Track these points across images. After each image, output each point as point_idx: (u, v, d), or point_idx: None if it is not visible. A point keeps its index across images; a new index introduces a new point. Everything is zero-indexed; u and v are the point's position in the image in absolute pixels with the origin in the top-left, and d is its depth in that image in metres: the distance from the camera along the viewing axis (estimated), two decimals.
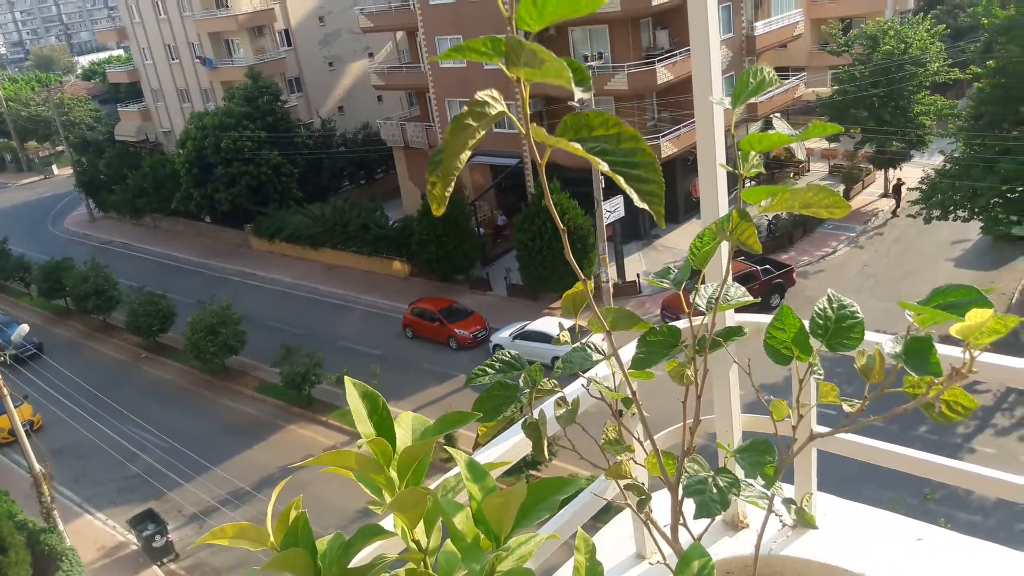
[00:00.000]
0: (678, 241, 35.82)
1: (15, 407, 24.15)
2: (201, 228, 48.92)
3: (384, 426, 1.37)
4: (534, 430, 1.75)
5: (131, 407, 30.63)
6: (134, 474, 27.16)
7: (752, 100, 1.40)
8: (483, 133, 1.22)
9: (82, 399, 31.68)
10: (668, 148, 34.38)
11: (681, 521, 1.69)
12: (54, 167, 73.75)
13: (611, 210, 31.02)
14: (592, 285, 29.57)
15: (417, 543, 1.34)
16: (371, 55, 52.63)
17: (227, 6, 49.38)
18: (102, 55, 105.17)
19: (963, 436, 22.06)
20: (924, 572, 2.50)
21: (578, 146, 1.20)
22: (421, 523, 1.37)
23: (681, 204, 37.57)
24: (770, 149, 1.50)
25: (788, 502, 1.74)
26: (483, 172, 41.05)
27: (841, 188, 37.37)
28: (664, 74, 33.49)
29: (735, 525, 2.72)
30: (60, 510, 24.09)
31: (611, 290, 31.15)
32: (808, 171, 41.58)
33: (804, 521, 1.72)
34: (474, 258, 35.86)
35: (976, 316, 1.32)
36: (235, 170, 44.13)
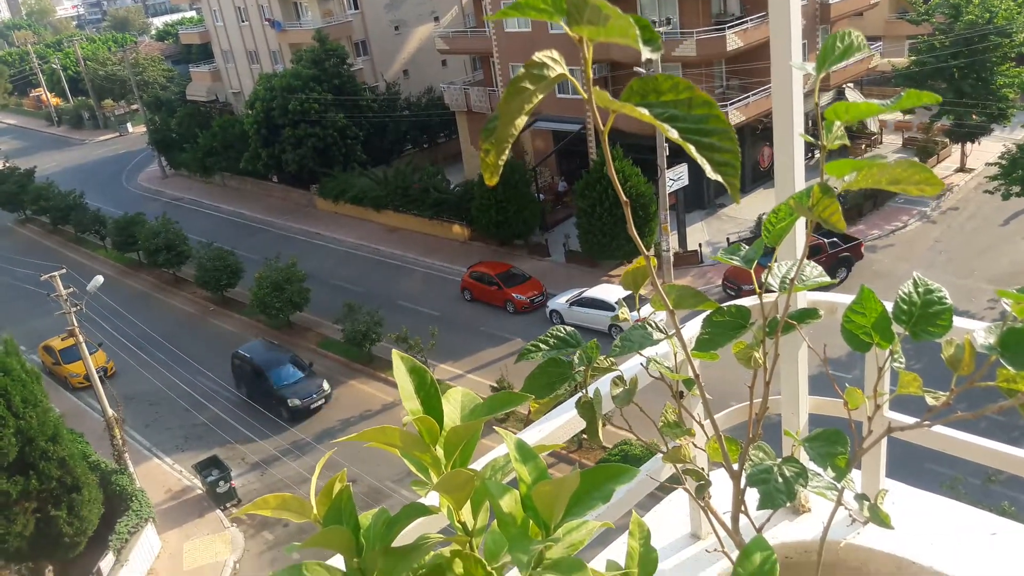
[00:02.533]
0: (742, 211, 35.27)
1: (90, 354, 25.27)
2: (268, 187, 49.92)
3: (431, 402, 1.32)
4: (589, 410, 1.67)
5: (199, 358, 31.75)
6: (201, 423, 28.24)
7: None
8: (540, 98, 1.15)
9: (153, 349, 32.96)
10: (736, 116, 33.75)
11: (742, 509, 1.62)
12: (129, 125, 75.76)
13: (675, 178, 30.70)
14: (654, 257, 29.59)
15: (463, 524, 1.28)
16: (436, 19, 52.54)
17: None
18: (175, 16, 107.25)
19: None
20: (999, 569, 2.33)
21: (645, 111, 1.12)
22: (467, 504, 1.31)
23: (748, 173, 36.96)
24: (857, 119, 1.40)
25: (861, 498, 1.59)
26: (545, 138, 40.91)
27: (915, 159, 36.22)
28: (734, 41, 32.79)
29: (796, 509, 2.63)
30: (131, 453, 25.25)
31: (672, 260, 30.96)
32: (880, 143, 40.41)
33: (879, 520, 1.56)
34: (533, 224, 35.92)
35: None
36: (302, 132, 44.74)
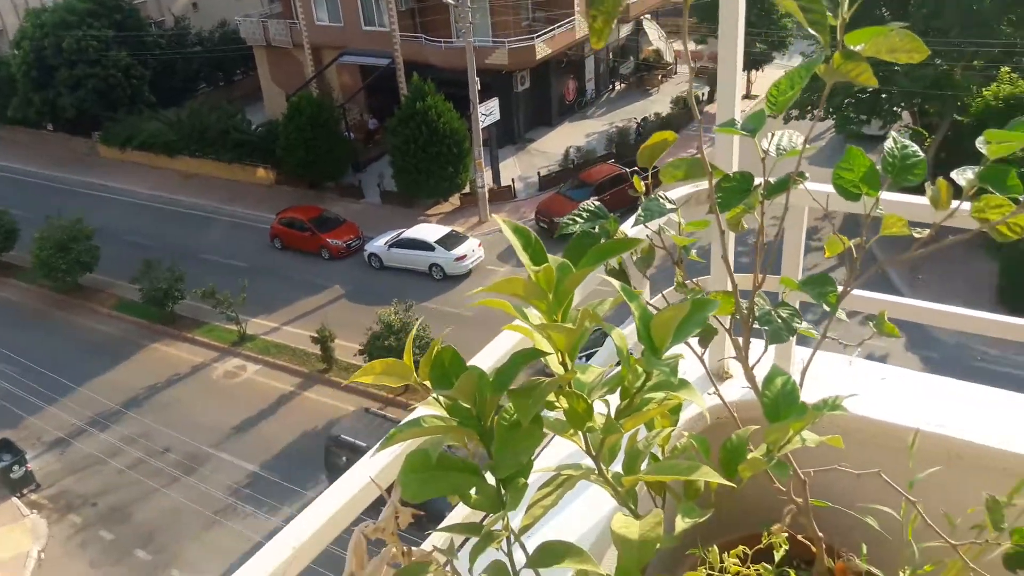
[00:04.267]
0: (551, 145, 35.50)
1: None
2: (44, 136, 44.62)
3: (539, 257, 1.46)
4: (620, 274, 1.91)
5: None
6: None
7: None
8: None
9: None
10: (543, 49, 33.60)
11: (736, 355, 1.89)
12: None
13: (487, 113, 30.25)
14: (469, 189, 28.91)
15: (564, 364, 1.40)
16: None
17: None
18: None
19: None
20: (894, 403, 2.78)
21: None
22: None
23: (555, 107, 37.13)
24: None
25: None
26: (352, 73, 39.06)
27: (707, 89, 37.84)
28: None
29: (720, 376, 3.00)
30: None
31: (487, 195, 30.67)
32: (676, 73, 41.81)
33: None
34: (345, 164, 34.37)
35: None
36: (80, 72, 40.37)
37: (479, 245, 28.33)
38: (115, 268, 29.88)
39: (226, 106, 39.07)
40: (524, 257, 1.47)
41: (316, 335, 24.04)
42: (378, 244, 29.03)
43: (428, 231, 28.76)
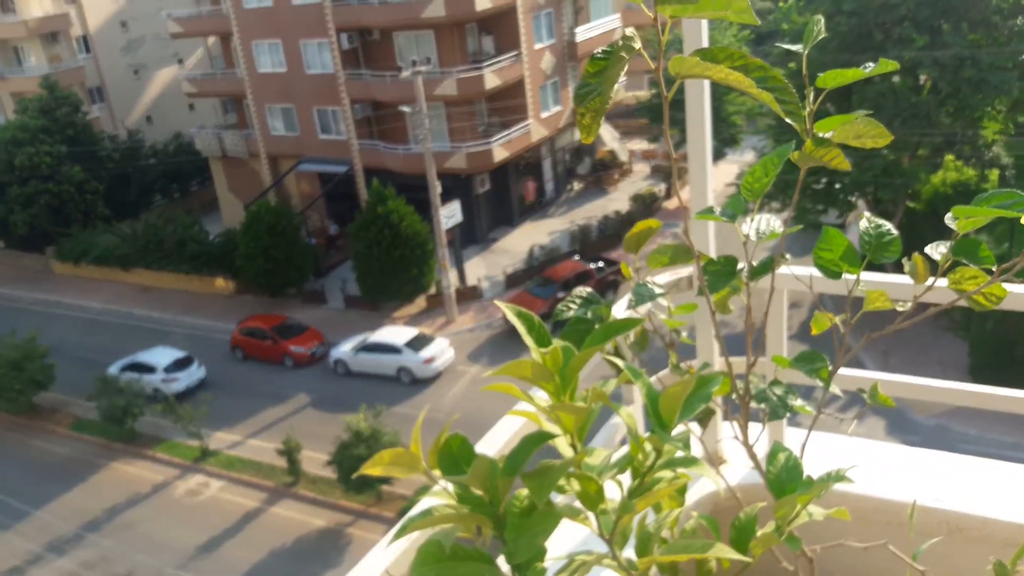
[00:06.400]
0: (514, 243, 35.99)
1: None
2: None
3: (543, 340, 1.47)
4: (617, 354, 1.91)
5: None
6: None
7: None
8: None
9: None
10: (501, 153, 34.46)
11: (733, 435, 1.91)
12: None
13: (449, 215, 30.68)
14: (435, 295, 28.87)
15: (574, 447, 1.41)
16: (180, 61, 49.69)
17: (14, 10, 44.91)
18: None
19: None
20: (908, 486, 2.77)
21: (733, 73, 1.36)
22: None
23: (516, 207, 37.83)
24: (840, 85, 1.60)
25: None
26: (311, 181, 39.59)
27: (663, 186, 38.92)
28: (492, 79, 33.53)
29: (714, 461, 2.96)
30: None
31: (453, 296, 30.79)
32: (631, 172, 43.04)
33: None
34: (306, 270, 34.35)
35: None
36: (32, 189, 40.27)
37: (448, 346, 28.21)
38: (71, 386, 29.11)
39: (182, 217, 39.08)
40: (529, 340, 1.48)
41: (282, 447, 23.45)
42: (344, 350, 28.75)
43: (395, 334, 28.61)
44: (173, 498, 24.34)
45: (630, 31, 1.41)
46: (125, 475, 25.62)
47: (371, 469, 1.39)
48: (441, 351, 27.71)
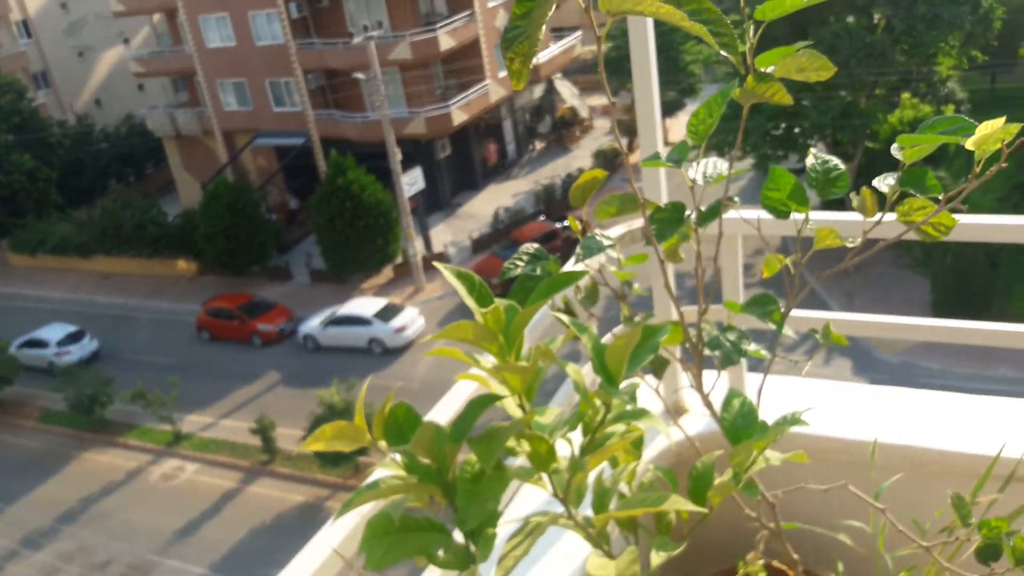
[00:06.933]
0: (479, 208, 35.80)
1: None
2: None
3: (485, 300, 1.43)
4: (568, 313, 1.95)
5: None
6: None
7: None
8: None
9: None
10: (460, 116, 34.11)
11: (690, 384, 1.88)
12: None
13: (411, 182, 30.40)
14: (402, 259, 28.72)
15: (522, 407, 1.38)
16: (126, 41, 48.36)
17: None
18: None
19: None
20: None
21: (649, 4, 1.32)
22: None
23: (479, 171, 37.57)
24: (780, 15, 1.55)
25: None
26: (267, 155, 38.97)
27: (625, 140, 38.76)
28: (447, 40, 33.04)
29: (678, 411, 2.99)
30: None
31: (421, 263, 30.64)
32: (593, 128, 42.88)
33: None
34: (269, 247, 33.93)
35: (990, 126, 1.46)
36: None
37: (418, 314, 28.12)
38: (36, 379, 28.68)
39: (139, 200, 38.32)
40: (470, 301, 1.45)
41: (255, 426, 23.33)
42: (312, 324, 28.54)
43: (364, 305, 28.44)
44: (148, 484, 24.17)
45: None
46: (98, 464, 25.38)
47: (313, 445, 1.35)
48: (411, 320, 27.62)
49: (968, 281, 23.37)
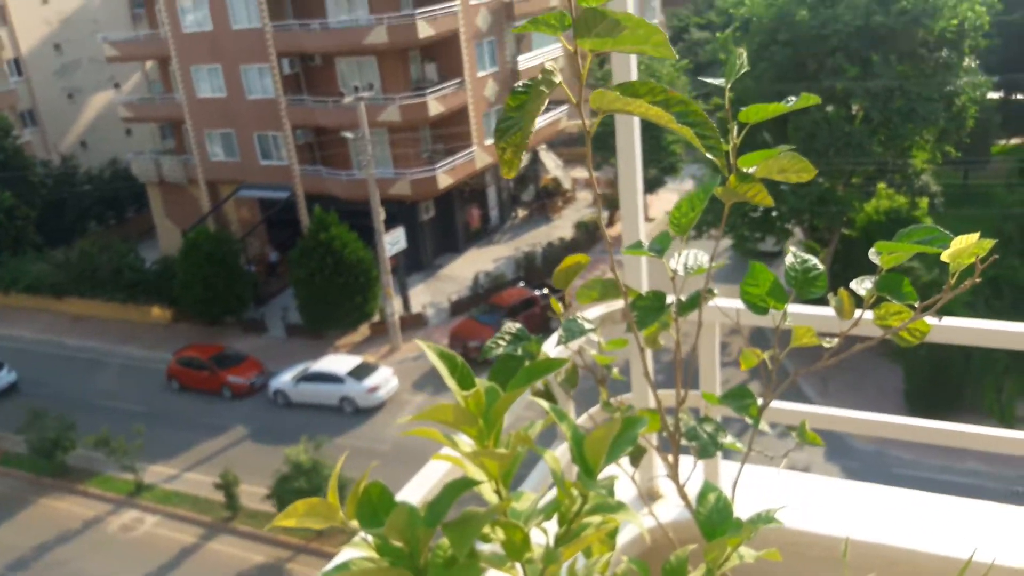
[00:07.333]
0: (459, 270, 35.91)
1: None
2: None
3: (466, 382, 1.43)
4: (547, 395, 1.93)
5: None
6: None
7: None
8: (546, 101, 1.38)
9: None
10: (445, 179, 34.46)
11: (666, 473, 1.89)
12: None
13: (393, 242, 30.50)
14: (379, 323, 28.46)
15: (498, 492, 1.37)
16: (117, 86, 48.72)
17: None
18: None
19: None
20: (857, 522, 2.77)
21: (651, 107, 1.33)
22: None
23: (461, 234, 37.80)
24: (763, 119, 1.65)
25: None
26: (251, 207, 39.02)
27: (606, 214, 39.31)
28: (436, 106, 33.58)
29: (652, 496, 3.04)
30: None
31: (398, 323, 30.53)
32: (575, 199, 43.41)
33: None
34: (246, 299, 33.70)
35: (963, 241, 1.52)
36: None
37: (392, 374, 27.87)
38: None
39: (118, 244, 38.10)
40: (451, 383, 1.44)
41: (219, 481, 22.82)
42: (284, 379, 28.19)
43: (337, 363, 28.18)
44: (106, 534, 23.46)
45: (550, 64, 1.39)
46: (55, 511, 24.64)
47: (284, 521, 1.31)
48: (385, 380, 27.37)
49: (942, 372, 23.63)
